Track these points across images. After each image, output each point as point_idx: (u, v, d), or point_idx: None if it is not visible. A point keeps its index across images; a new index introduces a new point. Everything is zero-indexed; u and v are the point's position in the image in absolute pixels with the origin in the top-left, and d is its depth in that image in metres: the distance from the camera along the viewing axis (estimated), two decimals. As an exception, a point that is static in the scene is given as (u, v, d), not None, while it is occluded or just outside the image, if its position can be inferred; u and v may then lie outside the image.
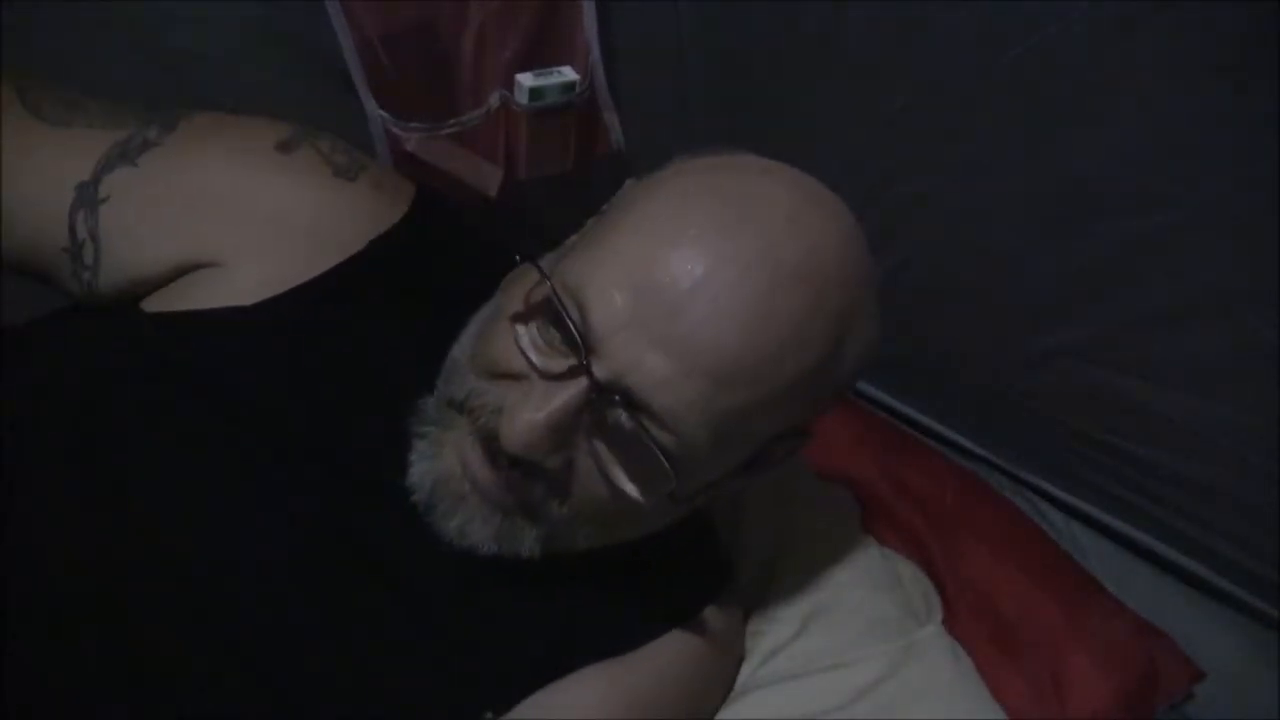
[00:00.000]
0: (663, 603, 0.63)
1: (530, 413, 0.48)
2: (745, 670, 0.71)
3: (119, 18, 0.71)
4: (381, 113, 0.82)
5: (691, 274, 0.47)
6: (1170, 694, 0.76)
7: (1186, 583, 0.85)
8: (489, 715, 0.55)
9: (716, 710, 0.68)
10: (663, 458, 0.48)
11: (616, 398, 0.48)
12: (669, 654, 0.62)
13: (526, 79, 0.86)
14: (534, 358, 0.50)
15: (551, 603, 0.59)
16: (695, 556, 0.67)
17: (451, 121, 0.86)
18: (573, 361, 0.48)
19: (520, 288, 0.52)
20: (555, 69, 0.88)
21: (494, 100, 0.87)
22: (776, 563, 0.79)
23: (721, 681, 0.69)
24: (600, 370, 0.47)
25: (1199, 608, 0.84)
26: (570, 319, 0.48)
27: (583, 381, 0.47)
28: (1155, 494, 0.82)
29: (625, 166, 0.98)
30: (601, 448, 0.50)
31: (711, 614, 0.65)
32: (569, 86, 0.88)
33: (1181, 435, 0.75)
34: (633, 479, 0.51)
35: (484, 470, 0.51)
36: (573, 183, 0.95)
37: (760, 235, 0.48)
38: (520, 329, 0.51)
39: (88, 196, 0.55)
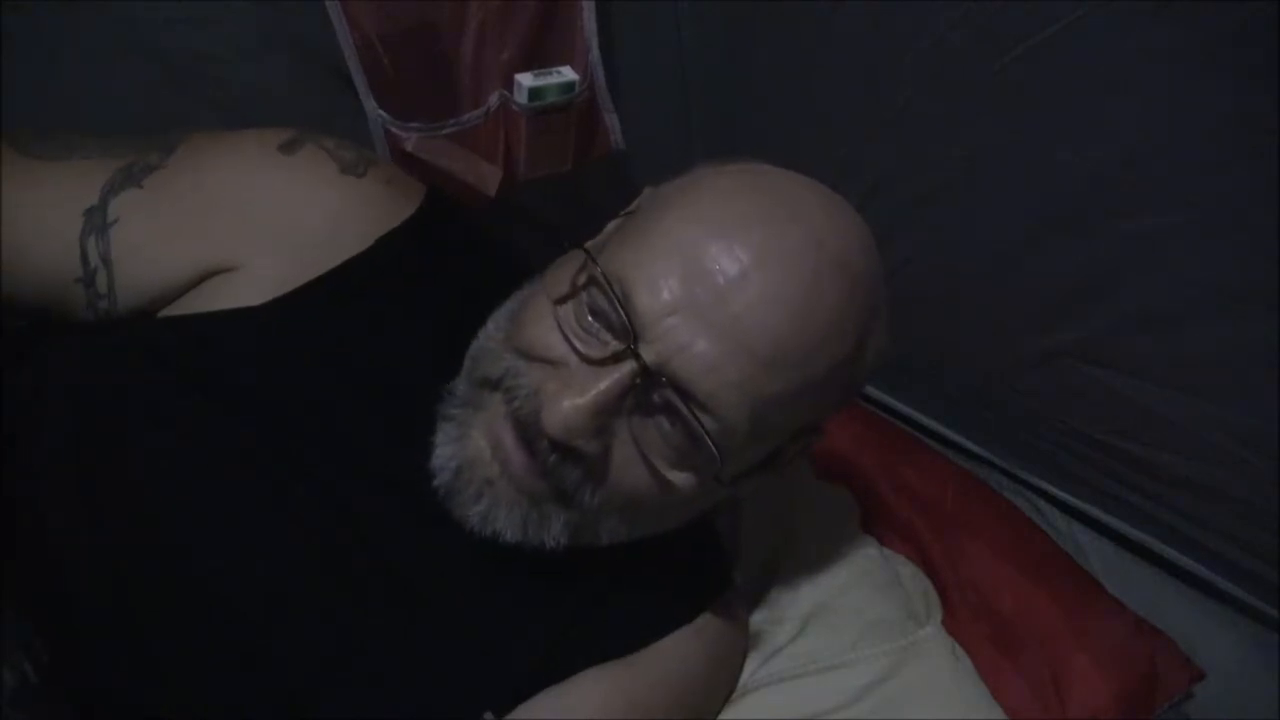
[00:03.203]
0: (665, 604, 0.63)
1: (573, 397, 0.48)
2: (745, 670, 0.71)
3: (119, 18, 0.71)
4: (381, 113, 0.82)
5: (741, 260, 0.48)
6: (1170, 694, 0.76)
7: (1186, 583, 0.85)
8: (489, 716, 0.55)
9: (719, 711, 0.68)
10: (709, 441, 0.49)
11: (663, 380, 0.48)
12: (672, 655, 0.62)
13: (526, 79, 0.86)
14: (575, 342, 0.50)
15: (555, 604, 0.59)
16: (697, 558, 0.67)
17: (451, 121, 0.86)
18: (616, 347, 0.49)
19: (564, 273, 0.53)
20: (555, 69, 0.88)
21: (494, 100, 0.87)
22: (777, 563, 0.79)
23: (724, 682, 0.69)
24: (647, 354, 0.48)
25: (1199, 608, 0.84)
26: (618, 302, 0.49)
27: (627, 366, 0.48)
28: (1155, 494, 0.82)
29: (625, 166, 0.98)
30: (642, 433, 0.51)
31: (713, 615, 0.65)
32: (569, 86, 0.88)
33: (1181, 435, 0.75)
34: (674, 464, 0.52)
35: (517, 454, 0.51)
36: (573, 183, 0.95)
37: (805, 227, 0.51)
38: (561, 312, 0.51)
39: (96, 221, 0.55)
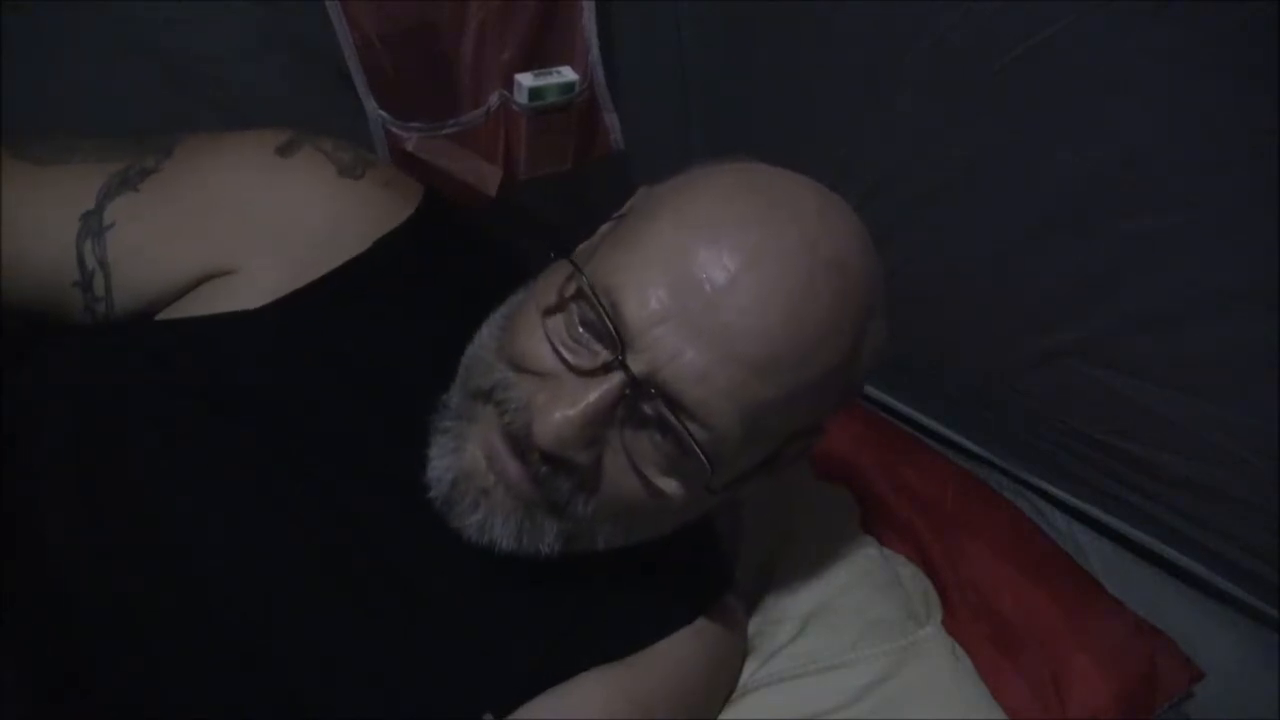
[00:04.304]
0: (666, 605, 0.63)
1: (564, 409, 0.48)
2: (746, 671, 0.71)
3: (119, 18, 0.71)
4: (381, 113, 0.82)
5: (729, 266, 0.48)
6: (1170, 694, 0.76)
7: (1186, 583, 0.85)
8: (489, 717, 0.55)
9: (719, 711, 0.68)
10: (698, 450, 0.49)
11: (652, 391, 0.48)
12: (672, 656, 0.62)
13: (526, 79, 0.86)
14: (565, 354, 0.50)
15: (555, 605, 0.59)
16: (697, 559, 0.67)
17: (451, 121, 0.86)
18: (605, 357, 0.49)
19: (552, 282, 0.53)
20: (555, 69, 0.88)
21: (494, 100, 0.87)
22: (776, 563, 0.79)
23: (724, 683, 0.69)
24: (636, 364, 0.48)
25: (1199, 608, 0.84)
26: (606, 314, 0.48)
27: (616, 377, 0.48)
28: (1155, 494, 0.82)
29: (625, 166, 0.98)
30: (633, 443, 0.51)
31: (714, 615, 0.65)
32: (569, 86, 0.88)
33: (1181, 435, 0.75)
34: (665, 472, 0.51)
35: (512, 464, 0.51)
36: (573, 183, 0.94)
37: (798, 229, 0.50)
38: (550, 323, 0.51)
39: (93, 225, 0.55)
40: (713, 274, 0.48)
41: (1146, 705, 0.75)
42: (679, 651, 0.62)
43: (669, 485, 0.52)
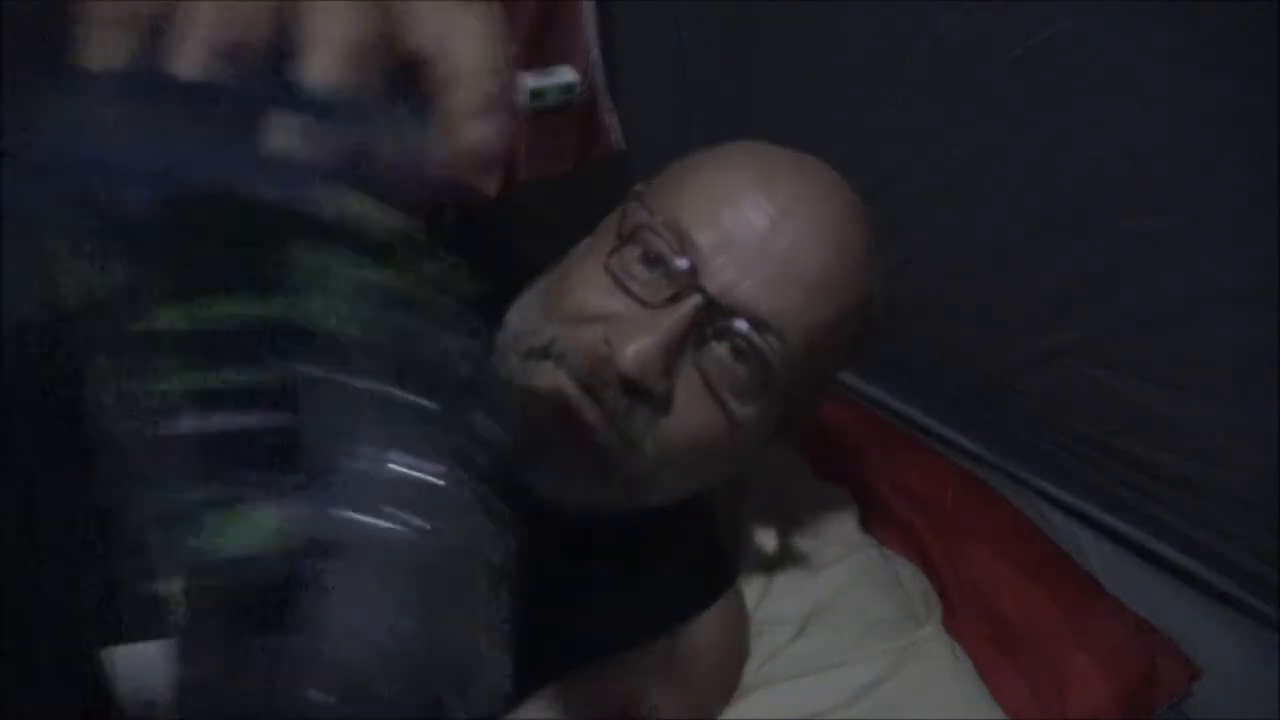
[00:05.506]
0: (667, 603, 0.63)
1: (641, 338, 0.50)
2: (746, 670, 0.71)
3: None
4: (382, 113, 0.82)
5: (780, 200, 0.53)
6: (1170, 693, 0.76)
7: (1186, 583, 0.85)
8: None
9: (722, 708, 0.68)
10: (774, 361, 0.52)
11: (725, 309, 0.51)
12: (675, 653, 0.62)
13: (526, 79, 0.86)
14: (635, 287, 0.53)
15: (558, 603, 0.59)
16: (699, 557, 0.67)
17: (451, 122, 0.86)
18: (676, 286, 0.52)
19: (607, 232, 0.56)
20: (555, 69, 0.88)
21: (494, 100, 0.87)
22: (776, 563, 0.79)
23: (727, 678, 0.69)
24: (710, 286, 0.51)
25: (1199, 608, 0.83)
26: (676, 242, 0.52)
27: (691, 301, 0.51)
28: (1155, 494, 0.82)
29: (625, 166, 0.98)
30: (705, 368, 0.53)
31: (716, 613, 0.65)
32: (569, 86, 0.88)
33: (1181, 435, 0.75)
34: (736, 395, 0.54)
35: (584, 405, 0.52)
36: (573, 183, 0.95)
37: (828, 175, 0.57)
38: (615, 266, 0.54)
39: None
40: (767, 207, 0.52)
41: (1146, 705, 0.75)
42: (682, 648, 0.63)
43: (739, 409, 0.54)
